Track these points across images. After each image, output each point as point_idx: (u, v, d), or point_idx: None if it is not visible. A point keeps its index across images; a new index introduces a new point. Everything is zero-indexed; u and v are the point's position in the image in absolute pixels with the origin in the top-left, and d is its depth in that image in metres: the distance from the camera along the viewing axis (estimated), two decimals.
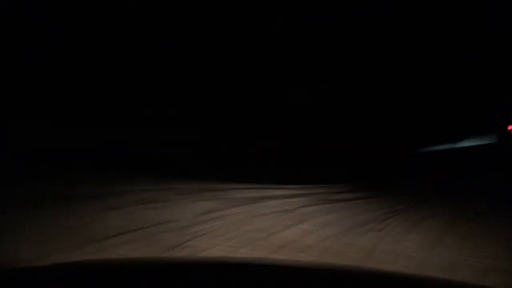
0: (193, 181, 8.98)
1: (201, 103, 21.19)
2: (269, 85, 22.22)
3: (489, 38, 23.89)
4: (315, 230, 6.00)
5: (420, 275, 2.79)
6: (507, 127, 21.75)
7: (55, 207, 5.98)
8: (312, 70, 22.45)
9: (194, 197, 7.32)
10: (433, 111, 23.09)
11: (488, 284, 4.20)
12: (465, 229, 6.65)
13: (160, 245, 4.86)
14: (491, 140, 21.41)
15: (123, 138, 16.02)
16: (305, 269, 1.78)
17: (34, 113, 17.02)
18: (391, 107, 22.85)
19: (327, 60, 22.80)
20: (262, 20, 22.39)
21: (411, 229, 6.41)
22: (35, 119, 16.59)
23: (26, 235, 4.74)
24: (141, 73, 20.20)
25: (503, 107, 23.95)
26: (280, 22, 22.46)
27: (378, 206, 7.82)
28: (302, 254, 4.95)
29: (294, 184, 9.42)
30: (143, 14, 21.19)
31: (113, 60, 20.03)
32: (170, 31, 20.93)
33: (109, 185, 8.05)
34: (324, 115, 22.08)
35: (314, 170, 12.11)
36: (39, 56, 18.62)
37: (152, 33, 20.67)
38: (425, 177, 12.24)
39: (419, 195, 9.30)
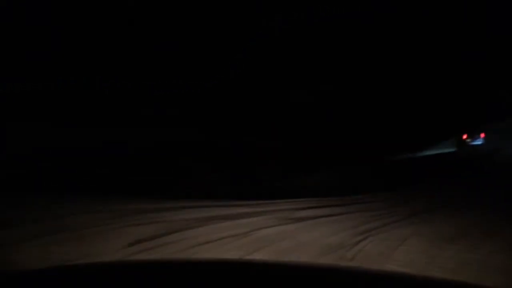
0: (143, 198, 8.02)
1: (201, 103, 20.22)
2: (269, 85, 21.17)
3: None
4: None
5: (420, 275, 2.58)
6: (462, 136, 22.75)
7: None
8: (312, 70, 21.35)
9: (132, 220, 6.27)
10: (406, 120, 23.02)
11: None
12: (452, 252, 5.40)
13: None
14: (451, 148, 22.30)
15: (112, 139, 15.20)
16: (305, 269, 1.72)
17: (34, 113, 16.28)
18: (371, 112, 22.20)
19: (326, 60, 21.71)
20: (262, 20, 21.30)
21: (389, 256, 5.24)
22: (34, 119, 15.83)
23: None
24: (141, 73, 19.31)
25: (503, 107, 23.65)
26: (280, 22, 21.32)
27: (349, 225, 6.61)
28: None
29: (255, 199, 8.36)
30: (143, 14, 20.22)
31: (113, 60, 19.15)
32: (170, 31, 19.96)
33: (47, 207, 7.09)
34: (324, 115, 21.01)
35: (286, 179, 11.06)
36: (39, 56, 17.84)
37: (152, 33, 19.72)
38: (398, 187, 11.06)
39: (394, 209, 8.05)
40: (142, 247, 4.98)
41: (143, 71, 19.39)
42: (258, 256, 5.08)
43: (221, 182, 13.39)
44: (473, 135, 22.78)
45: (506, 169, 14.25)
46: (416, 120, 23.25)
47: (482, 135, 22.94)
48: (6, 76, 16.55)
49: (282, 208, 7.89)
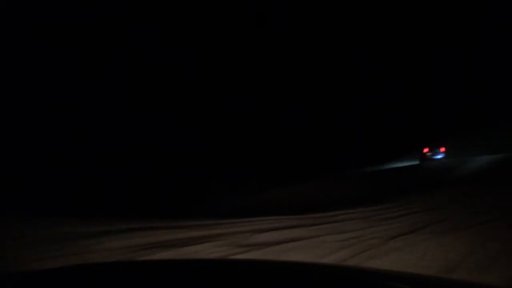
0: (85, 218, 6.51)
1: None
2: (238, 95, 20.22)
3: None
4: None
5: (422, 274, 1.90)
6: (423, 150, 23.19)
7: None
8: (282, 83, 20.49)
9: (44, 250, 4.73)
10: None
11: None
12: None
13: None
14: (415, 161, 22.91)
15: None
16: (305, 269, 1.62)
17: None
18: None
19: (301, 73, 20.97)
20: None
21: None
22: None
23: None
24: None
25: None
26: None
27: (316, 253, 5.13)
28: None
29: (214, 217, 6.88)
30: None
31: None
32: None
33: None
34: (294, 128, 20.23)
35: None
36: None
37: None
38: (370, 202, 9.79)
39: (368, 230, 6.61)
40: None
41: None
42: None
43: (179, 199, 11.92)
44: (434, 150, 22.88)
45: (471, 184, 13.11)
46: (385, 133, 23.68)
47: (442, 149, 22.93)
48: None
49: (241, 230, 6.40)
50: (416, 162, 22.50)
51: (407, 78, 25.36)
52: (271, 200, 10.47)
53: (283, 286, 1.34)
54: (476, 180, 13.54)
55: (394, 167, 21.03)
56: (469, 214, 7.56)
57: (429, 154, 22.79)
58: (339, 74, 22.06)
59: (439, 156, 22.50)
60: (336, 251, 5.19)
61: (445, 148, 22.78)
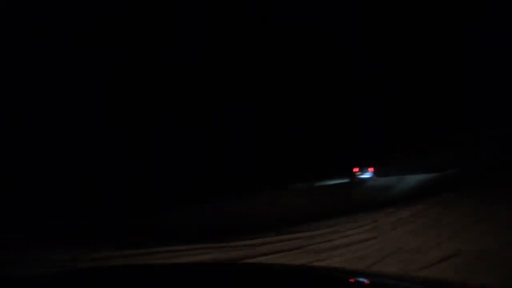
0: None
1: None
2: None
3: None
4: None
5: (420, 276, 2.34)
6: (353, 169, 23.65)
7: None
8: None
9: None
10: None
11: None
12: None
13: None
14: (346, 179, 23.08)
15: None
16: (303, 270, 1.65)
17: None
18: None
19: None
20: None
21: None
22: None
23: None
24: None
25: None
26: None
27: None
28: None
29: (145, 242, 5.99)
30: None
31: None
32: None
33: None
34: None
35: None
36: None
37: None
38: (300, 223, 8.70)
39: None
40: None
41: None
42: None
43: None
44: (363, 169, 23.39)
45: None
46: (319, 151, 23.62)
47: (371, 169, 23.38)
48: None
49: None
50: (346, 180, 22.84)
51: (341, 99, 25.10)
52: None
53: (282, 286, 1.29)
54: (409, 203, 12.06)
55: (324, 185, 21.16)
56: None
57: (358, 173, 23.30)
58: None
59: (368, 176, 22.86)
60: None
61: (374, 168, 23.25)
